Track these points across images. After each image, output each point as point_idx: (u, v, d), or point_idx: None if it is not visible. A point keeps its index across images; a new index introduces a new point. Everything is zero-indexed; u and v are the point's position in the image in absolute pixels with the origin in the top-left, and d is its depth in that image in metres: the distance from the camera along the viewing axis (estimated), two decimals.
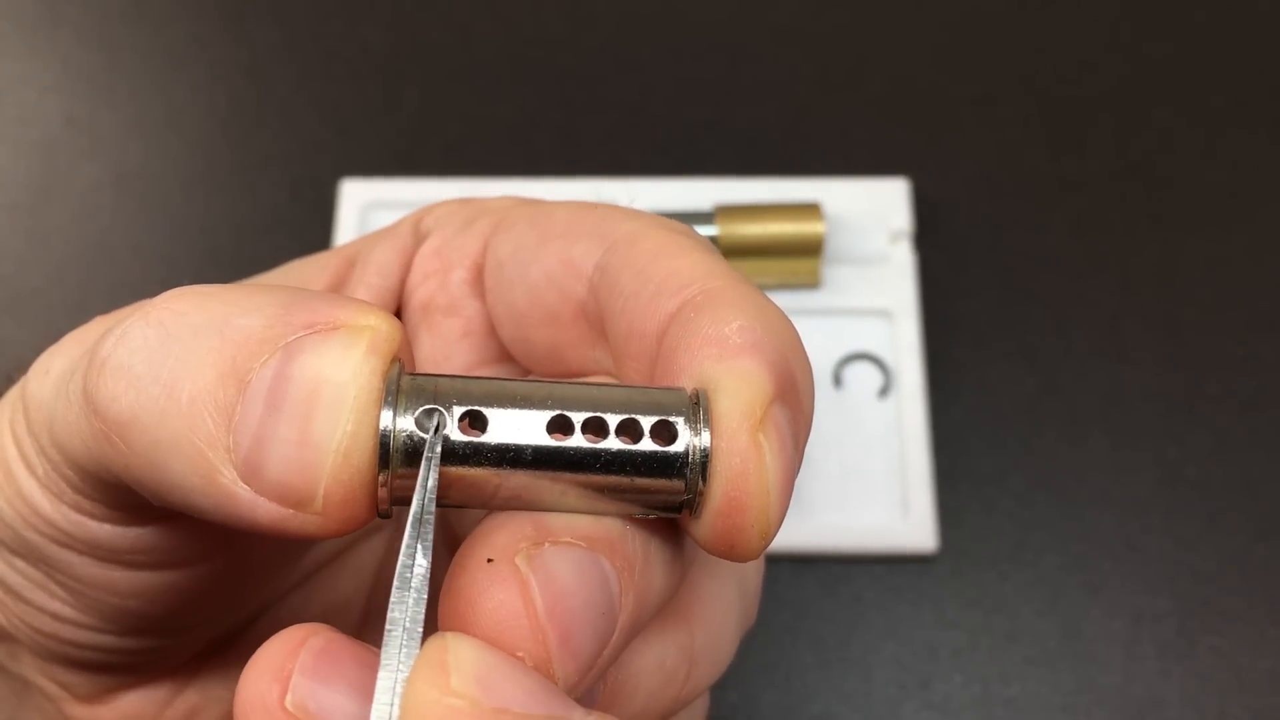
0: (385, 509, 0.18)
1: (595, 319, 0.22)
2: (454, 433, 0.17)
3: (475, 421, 0.17)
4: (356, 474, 0.17)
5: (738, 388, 0.18)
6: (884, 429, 0.46)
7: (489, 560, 0.17)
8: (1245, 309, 0.48)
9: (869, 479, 0.45)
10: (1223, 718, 0.42)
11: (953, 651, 0.43)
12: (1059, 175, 0.51)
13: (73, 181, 0.52)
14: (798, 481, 0.46)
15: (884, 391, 0.46)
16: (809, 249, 0.47)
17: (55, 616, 0.22)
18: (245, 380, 0.17)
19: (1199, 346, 0.48)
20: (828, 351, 0.47)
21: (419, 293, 0.25)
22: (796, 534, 0.44)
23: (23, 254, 0.51)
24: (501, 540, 0.18)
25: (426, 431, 0.17)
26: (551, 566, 0.17)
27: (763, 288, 0.48)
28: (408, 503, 0.17)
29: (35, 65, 0.55)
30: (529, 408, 0.17)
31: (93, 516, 0.20)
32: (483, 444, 0.17)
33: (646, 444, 0.17)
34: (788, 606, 0.44)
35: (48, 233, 0.51)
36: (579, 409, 0.17)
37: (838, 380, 0.46)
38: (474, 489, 0.18)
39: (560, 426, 0.17)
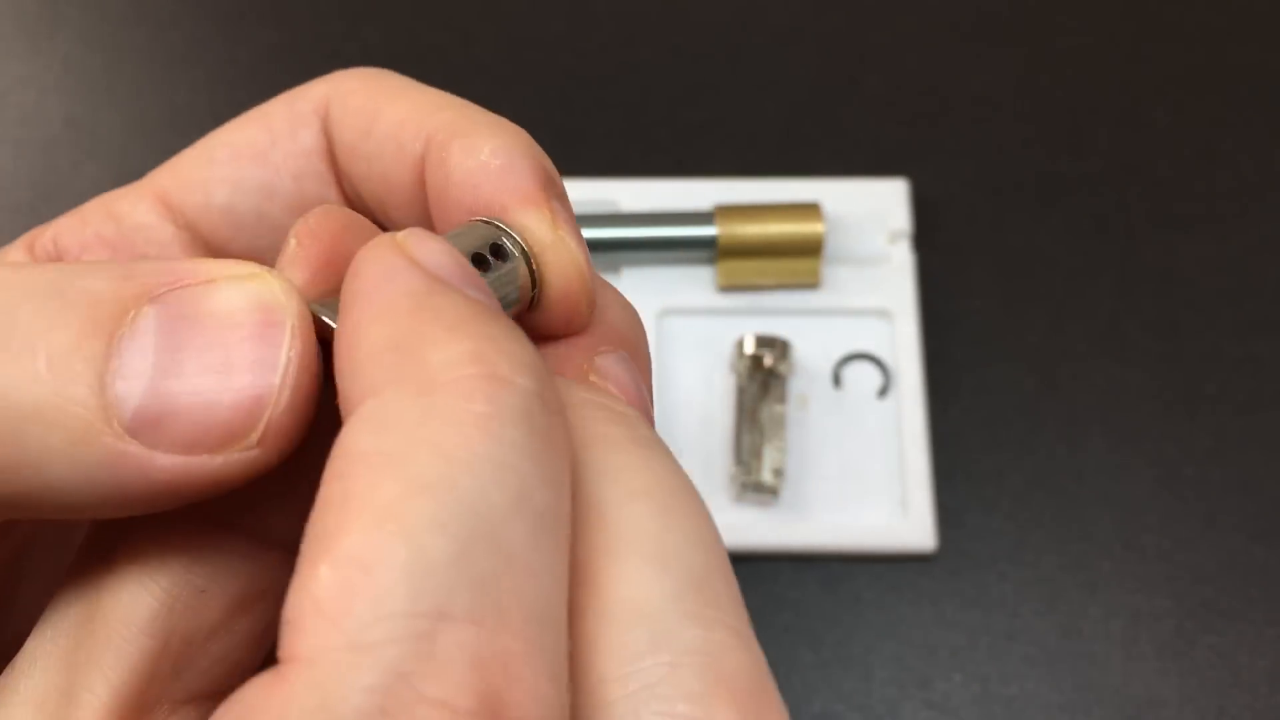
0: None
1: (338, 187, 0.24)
2: None
3: None
4: (307, 398, 0.17)
5: (521, 202, 0.20)
6: (883, 429, 0.46)
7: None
8: (1245, 309, 0.48)
9: (868, 479, 0.45)
10: (1221, 717, 0.42)
11: (952, 651, 0.43)
12: (1059, 175, 0.51)
13: (74, 182, 0.52)
14: (797, 480, 0.46)
15: (883, 391, 0.46)
16: (809, 249, 0.47)
17: None
18: (111, 335, 0.17)
19: (1198, 346, 0.48)
20: (827, 351, 0.47)
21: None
22: (796, 534, 0.44)
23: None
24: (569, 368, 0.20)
25: None
26: (612, 370, 0.20)
27: (762, 288, 0.49)
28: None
29: (36, 66, 0.55)
30: None
31: None
32: None
33: (499, 267, 0.20)
34: (787, 606, 0.44)
35: None
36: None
37: (837, 380, 0.47)
38: None
39: None
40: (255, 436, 0.17)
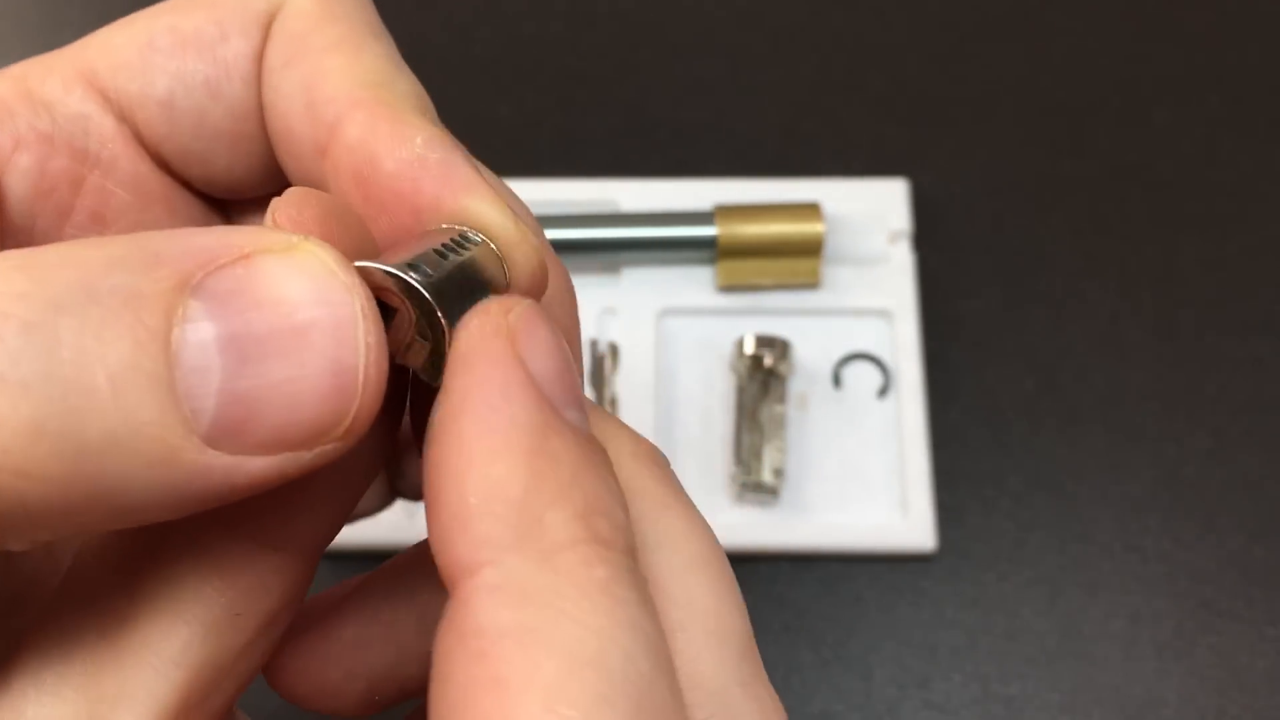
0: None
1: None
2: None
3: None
4: (383, 379, 0.16)
5: (470, 194, 0.19)
6: (883, 429, 0.46)
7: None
8: (1245, 309, 0.48)
9: (868, 479, 0.45)
10: (1221, 717, 0.42)
11: (952, 651, 0.43)
12: (1059, 175, 0.51)
13: None
14: (797, 480, 0.46)
15: (883, 391, 0.46)
16: (809, 249, 0.47)
17: None
18: (166, 341, 0.15)
19: (1198, 346, 0.48)
20: (827, 351, 0.47)
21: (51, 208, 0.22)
22: (796, 534, 0.44)
23: None
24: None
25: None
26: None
27: (762, 288, 0.49)
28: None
29: None
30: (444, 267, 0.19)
31: None
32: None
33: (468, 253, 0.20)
34: (788, 606, 0.44)
35: None
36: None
37: (837, 380, 0.47)
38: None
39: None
40: (343, 428, 0.16)
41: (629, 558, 0.16)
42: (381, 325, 0.16)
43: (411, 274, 0.17)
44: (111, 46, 0.22)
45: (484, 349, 0.16)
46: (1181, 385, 0.47)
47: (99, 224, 0.22)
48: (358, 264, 0.17)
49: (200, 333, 0.15)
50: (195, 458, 0.15)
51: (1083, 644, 0.43)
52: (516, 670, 0.14)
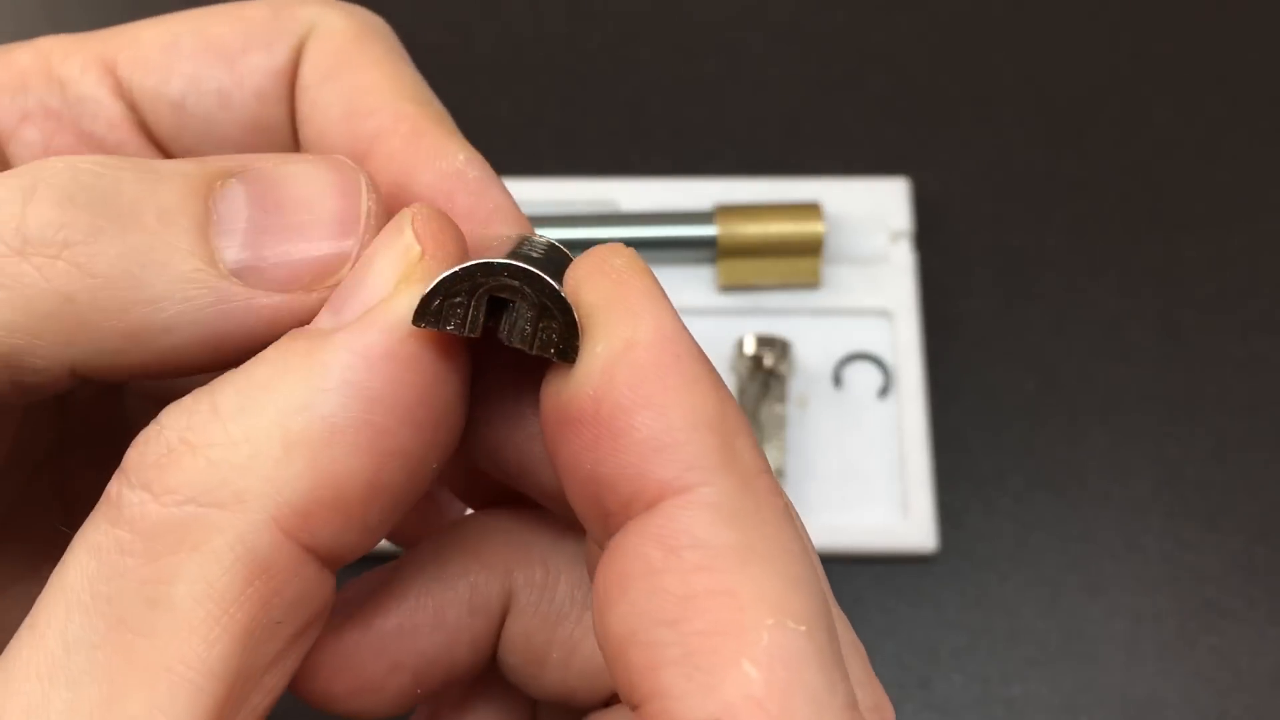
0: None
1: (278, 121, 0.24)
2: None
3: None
4: (378, 230, 0.19)
5: (503, 219, 0.21)
6: (884, 429, 0.46)
7: None
8: (1245, 309, 0.48)
9: (869, 479, 0.45)
10: (1223, 717, 0.42)
11: (953, 651, 0.43)
12: (1059, 175, 0.51)
13: None
14: (797, 480, 0.46)
15: (884, 391, 0.46)
16: (809, 249, 0.47)
17: None
18: (206, 197, 0.19)
19: (1199, 346, 0.48)
20: (828, 351, 0.47)
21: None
22: None
23: None
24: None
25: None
26: None
27: (763, 288, 0.48)
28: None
29: None
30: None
31: None
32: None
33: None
34: None
35: None
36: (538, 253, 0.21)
37: (837, 380, 0.46)
38: None
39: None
40: (344, 272, 0.19)
41: None
42: (381, 201, 0.19)
43: (530, 264, 0.18)
44: (138, 40, 0.23)
45: (644, 287, 0.19)
46: (1182, 385, 0.47)
47: None
48: (480, 261, 0.18)
49: (235, 196, 0.19)
50: (218, 283, 0.18)
51: (1084, 644, 0.43)
52: (745, 583, 0.16)
